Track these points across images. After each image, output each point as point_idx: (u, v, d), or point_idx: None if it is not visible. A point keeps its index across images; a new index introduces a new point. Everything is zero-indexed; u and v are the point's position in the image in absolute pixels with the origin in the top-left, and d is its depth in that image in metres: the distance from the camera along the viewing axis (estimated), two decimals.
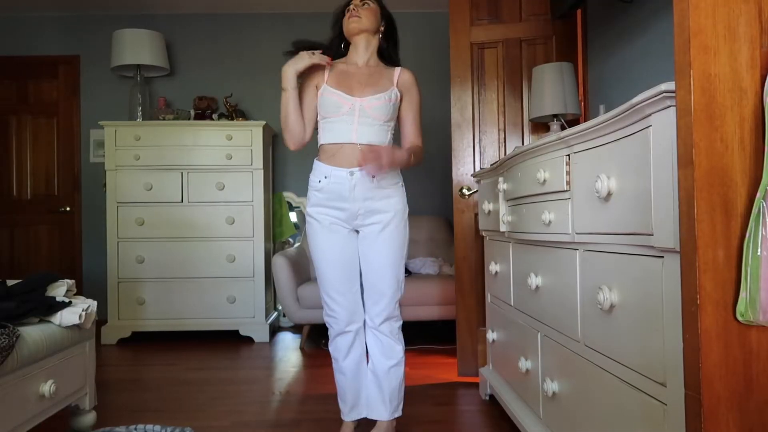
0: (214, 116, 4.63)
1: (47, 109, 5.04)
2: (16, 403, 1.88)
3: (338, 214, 2.17)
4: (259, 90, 5.01)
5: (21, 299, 2.07)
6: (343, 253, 2.19)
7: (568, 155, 1.66)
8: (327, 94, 2.15)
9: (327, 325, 2.27)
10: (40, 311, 2.10)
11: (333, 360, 2.30)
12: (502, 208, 2.36)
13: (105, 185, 4.40)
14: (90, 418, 2.37)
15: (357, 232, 2.23)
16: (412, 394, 2.90)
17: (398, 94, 2.21)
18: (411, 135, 2.27)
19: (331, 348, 2.29)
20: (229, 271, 4.38)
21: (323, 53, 2.20)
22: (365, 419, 2.33)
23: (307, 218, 2.22)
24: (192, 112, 4.65)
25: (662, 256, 1.19)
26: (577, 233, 1.62)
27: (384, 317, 2.22)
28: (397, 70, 2.25)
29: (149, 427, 2.38)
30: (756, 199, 0.99)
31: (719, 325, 1.02)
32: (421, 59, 4.70)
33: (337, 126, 2.14)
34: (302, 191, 5.03)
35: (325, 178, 2.15)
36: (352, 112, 2.13)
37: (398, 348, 2.27)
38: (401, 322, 2.30)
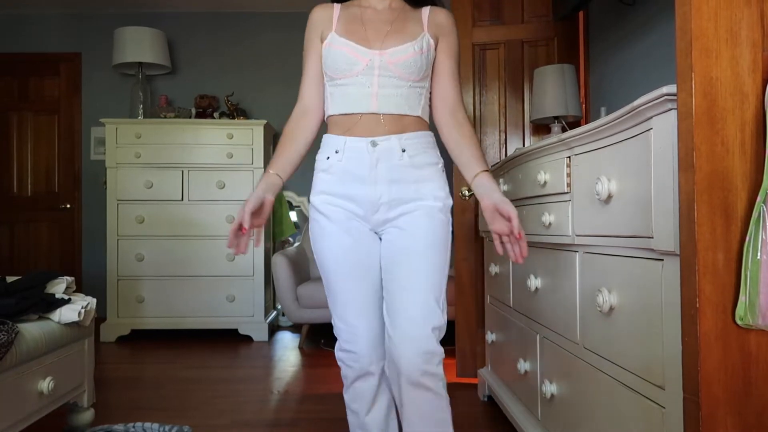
0: (215, 115, 4.64)
1: (48, 106, 5.04)
2: (15, 400, 1.88)
3: (351, 205, 1.55)
4: (261, 89, 5.01)
5: (20, 296, 2.07)
6: (365, 258, 1.56)
7: (569, 157, 1.66)
8: (335, 46, 1.57)
9: (340, 365, 1.61)
10: (39, 308, 2.10)
11: (349, 413, 1.66)
12: None
13: (105, 183, 4.40)
14: (88, 415, 2.37)
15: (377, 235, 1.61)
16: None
17: (431, 42, 1.60)
18: (451, 98, 1.61)
19: (346, 398, 1.65)
20: (228, 270, 4.38)
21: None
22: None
23: (311, 213, 1.62)
24: (193, 111, 4.65)
25: (662, 259, 1.19)
26: (577, 235, 1.62)
27: (414, 351, 1.47)
28: (426, 9, 1.64)
29: (147, 425, 2.38)
30: (756, 203, 0.99)
31: (718, 329, 1.02)
32: None
33: (350, 90, 1.55)
34: (302, 190, 5.03)
35: (336, 153, 1.55)
36: (370, 70, 1.53)
37: (443, 404, 1.53)
38: (442, 355, 1.50)
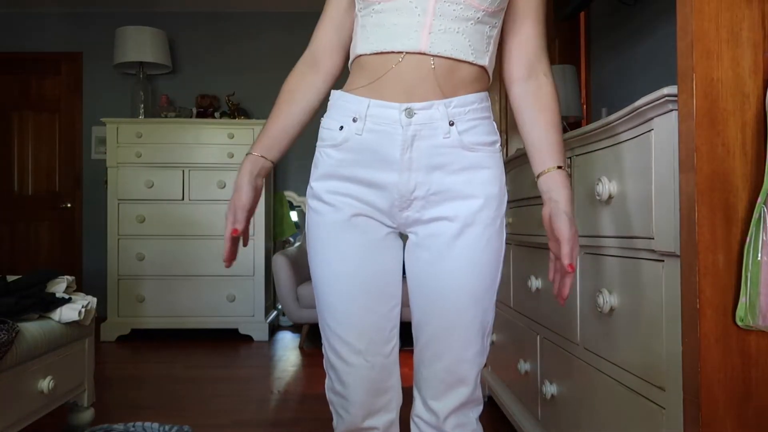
0: (216, 114, 4.65)
1: (49, 105, 5.04)
2: (15, 399, 1.88)
3: (371, 196, 1.12)
4: (262, 88, 5.00)
5: (21, 295, 2.07)
6: (372, 271, 1.14)
7: (570, 158, 1.66)
8: None
9: (331, 409, 1.27)
10: (39, 307, 2.10)
11: None
12: None
13: (106, 182, 4.40)
14: (88, 415, 2.37)
15: (400, 234, 1.19)
16: (410, 394, 2.89)
17: None
18: (532, 44, 1.15)
19: None
20: (229, 270, 4.37)
21: None
22: None
23: (310, 202, 1.17)
24: (194, 110, 4.66)
25: (662, 260, 1.19)
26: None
27: (455, 404, 1.16)
28: None
29: (147, 425, 2.38)
30: (757, 204, 0.99)
31: (718, 330, 1.02)
32: None
33: (391, 18, 1.08)
34: (303, 190, 5.03)
35: (354, 121, 1.10)
36: None
37: None
38: (482, 406, 1.22)
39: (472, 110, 1.10)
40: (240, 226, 1.16)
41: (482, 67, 1.11)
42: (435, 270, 1.12)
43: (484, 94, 1.13)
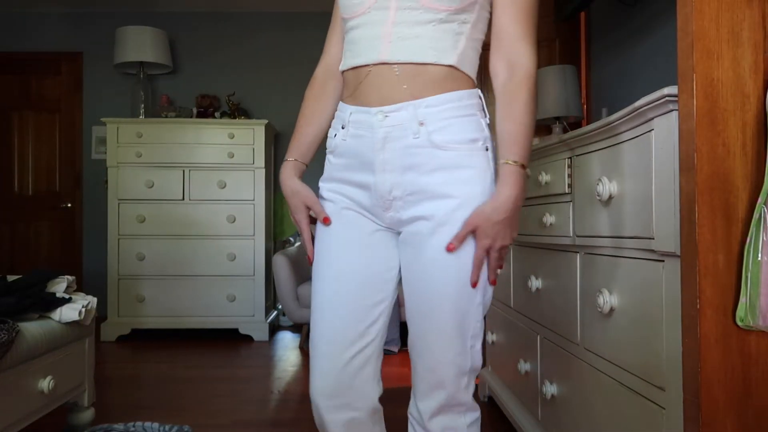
0: (217, 114, 4.65)
1: (50, 105, 5.04)
2: (15, 399, 1.88)
3: (359, 195, 1.19)
4: (262, 89, 5.01)
5: (21, 295, 2.07)
6: (357, 262, 1.18)
7: (570, 158, 1.66)
8: None
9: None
10: (39, 307, 2.10)
11: None
12: None
13: (106, 182, 4.41)
14: (88, 414, 2.37)
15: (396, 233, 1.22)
16: (405, 395, 2.89)
17: None
18: (506, 35, 1.15)
19: None
20: (229, 270, 4.38)
21: None
22: None
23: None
24: (194, 110, 4.66)
25: (663, 260, 1.19)
26: (577, 236, 1.62)
27: (435, 405, 1.17)
28: None
29: (147, 424, 2.38)
30: (757, 204, 0.99)
31: (718, 330, 1.02)
32: None
33: (360, 33, 1.15)
34: None
35: (342, 128, 1.18)
36: (386, 1, 1.11)
37: None
38: (478, 414, 1.23)
39: (446, 109, 1.11)
40: (325, 215, 1.21)
41: (451, 66, 1.13)
42: (414, 269, 1.15)
43: (464, 92, 1.14)
